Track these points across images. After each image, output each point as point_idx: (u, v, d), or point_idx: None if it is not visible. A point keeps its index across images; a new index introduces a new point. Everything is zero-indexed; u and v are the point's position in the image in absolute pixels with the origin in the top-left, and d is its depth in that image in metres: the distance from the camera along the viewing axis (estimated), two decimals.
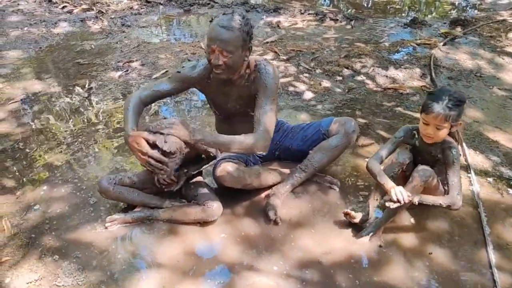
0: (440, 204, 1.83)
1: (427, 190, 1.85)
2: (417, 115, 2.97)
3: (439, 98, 1.75)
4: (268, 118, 1.91)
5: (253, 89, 1.97)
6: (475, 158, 2.50)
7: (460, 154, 1.94)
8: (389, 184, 1.83)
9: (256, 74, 1.96)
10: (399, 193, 1.76)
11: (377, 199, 1.97)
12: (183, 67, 2.07)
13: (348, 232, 1.96)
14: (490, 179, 2.33)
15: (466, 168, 2.40)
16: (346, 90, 3.34)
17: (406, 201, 1.76)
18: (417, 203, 1.81)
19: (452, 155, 1.84)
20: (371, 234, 1.90)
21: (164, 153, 1.76)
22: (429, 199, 1.84)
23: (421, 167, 1.84)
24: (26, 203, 2.16)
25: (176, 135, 1.76)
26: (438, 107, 1.73)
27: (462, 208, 2.06)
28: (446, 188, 1.94)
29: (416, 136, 1.94)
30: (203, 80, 2.03)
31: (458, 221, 2.04)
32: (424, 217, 2.05)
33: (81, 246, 1.89)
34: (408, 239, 1.94)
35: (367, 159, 2.43)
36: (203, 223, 1.98)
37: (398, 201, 1.76)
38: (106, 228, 1.97)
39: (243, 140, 1.85)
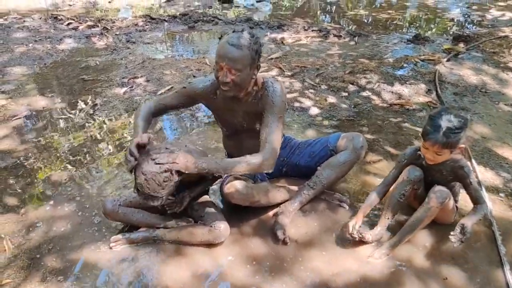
0: (480, 219, 1.83)
1: (442, 212, 1.81)
2: None
3: (438, 125, 1.70)
4: (274, 136, 1.87)
5: (260, 106, 1.94)
6: (485, 175, 2.46)
7: (472, 170, 1.91)
8: (357, 214, 1.93)
9: (264, 92, 1.94)
10: (350, 228, 1.87)
11: (388, 218, 1.93)
12: (189, 82, 2.06)
13: (360, 252, 1.91)
14: (502, 196, 2.28)
15: (478, 185, 2.36)
16: (352, 106, 3.32)
17: (357, 239, 1.87)
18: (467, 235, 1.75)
19: (466, 174, 1.80)
20: (384, 254, 1.85)
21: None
22: (469, 223, 1.77)
23: (437, 188, 1.79)
24: (29, 222, 2.12)
25: (178, 168, 1.68)
26: (436, 135, 1.70)
27: (475, 227, 2.03)
28: (457, 205, 1.93)
29: (422, 156, 1.90)
30: (209, 96, 2.02)
31: (472, 240, 1.98)
32: (437, 236, 1.99)
33: (85, 267, 1.84)
34: (422, 260, 1.88)
35: (376, 176, 2.42)
36: (210, 244, 1.94)
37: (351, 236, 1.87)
38: (110, 248, 1.92)
39: (249, 161, 1.80)
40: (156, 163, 1.66)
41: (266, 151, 1.84)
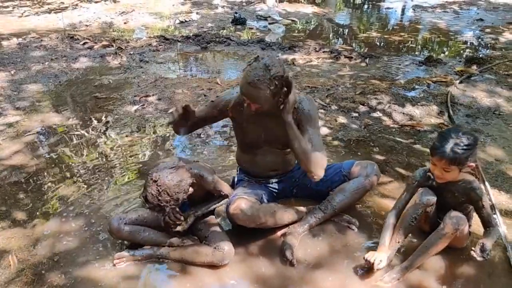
0: (496, 241, 1.80)
1: (456, 237, 1.76)
2: None
3: (446, 141, 1.69)
4: (319, 142, 1.98)
5: (294, 119, 1.95)
6: (499, 198, 2.40)
7: (484, 192, 1.86)
8: (382, 246, 1.83)
9: (297, 105, 1.97)
10: (377, 261, 1.77)
11: (398, 242, 1.87)
12: (217, 96, 2.15)
13: (369, 276, 1.85)
14: None
15: (491, 208, 2.29)
16: (363, 127, 3.29)
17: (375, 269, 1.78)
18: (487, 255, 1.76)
19: (478, 196, 1.76)
20: (394, 279, 1.79)
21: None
22: (489, 243, 1.77)
23: (454, 214, 1.75)
24: (35, 237, 2.12)
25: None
26: (444, 150, 1.68)
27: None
28: (470, 230, 1.89)
29: (432, 177, 1.86)
30: (236, 107, 2.04)
31: (486, 266, 1.91)
32: (449, 261, 1.93)
33: (88, 284, 1.82)
34: (433, 286, 1.81)
35: (386, 198, 2.38)
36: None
37: (369, 263, 1.78)
38: (114, 265, 1.90)
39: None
40: (172, 176, 1.71)
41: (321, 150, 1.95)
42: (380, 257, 1.79)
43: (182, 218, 1.88)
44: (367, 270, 1.86)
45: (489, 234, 1.84)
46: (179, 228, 1.89)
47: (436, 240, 1.79)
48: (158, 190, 1.69)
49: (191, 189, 1.78)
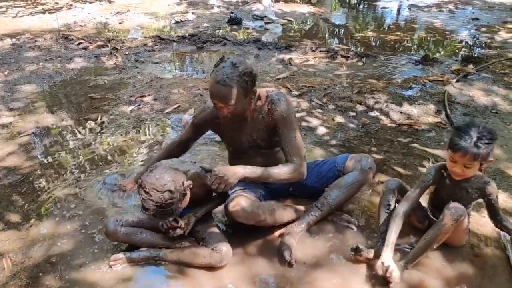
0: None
1: (456, 231, 1.74)
2: (434, 151, 2.90)
3: (467, 135, 1.64)
4: (296, 146, 1.95)
5: (271, 120, 1.96)
6: (498, 197, 2.38)
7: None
8: (387, 244, 1.78)
9: (271, 106, 1.95)
10: (385, 271, 1.72)
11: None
12: (194, 116, 2.18)
13: (369, 275, 1.83)
14: None
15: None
16: (360, 126, 3.28)
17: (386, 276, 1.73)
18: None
19: (494, 189, 1.77)
20: (399, 275, 1.76)
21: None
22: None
23: (452, 205, 1.73)
24: (30, 240, 2.08)
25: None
26: (466, 145, 1.63)
27: (488, 251, 1.98)
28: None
29: (445, 174, 1.84)
30: (213, 121, 2.06)
31: (486, 265, 1.90)
32: (450, 260, 1.91)
33: (84, 287, 1.79)
34: (434, 286, 1.80)
35: None
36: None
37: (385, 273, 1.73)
38: (110, 267, 1.87)
39: (284, 169, 1.93)
40: (159, 177, 1.68)
41: (295, 161, 1.94)
42: (391, 265, 1.73)
43: (182, 224, 1.86)
44: (364, 267, 1.87)
45: (509, 222, 1.84)
46: (180, 232, 1.87)
47: (436, 232, 1.76)
48: (146, 191, 1.67)
49: (188, 193, 1.77)
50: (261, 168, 1.90)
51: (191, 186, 1.77)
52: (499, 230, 2.03)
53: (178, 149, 2.22)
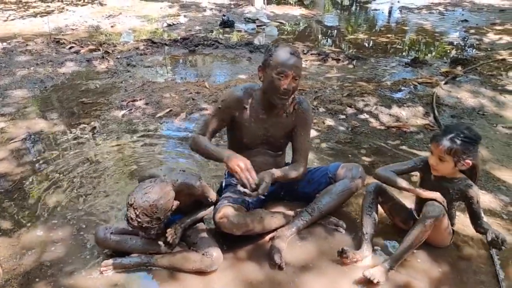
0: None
1: (437, 230, 1.79)
2: (422, 153, 2.94)
3: (448, 131, 1.77)
4: (308, 150, 2.20)
5: (292, 121, 2.09)
6: (483, 198, 2.43)
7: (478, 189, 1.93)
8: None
9: (297, 107, 2.08)
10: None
11: (366, 233, 1.96)
12: (222, 101, 2.08)
13: (358, 276, 1.86)
14: (499, 220, 2.25)
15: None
16: (350, 129, 3.32)
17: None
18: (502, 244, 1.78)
19: (475, 193, 1.83)
20: (384, 276, 1.80)
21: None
22: (497, 232, 1.80)
23: (430, 203, 1.79)
24: (22, 246, 2.09)
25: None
26: (442, 138, 1.76)
27: (472, 251, 2.03)
28: (454, 228, 1.95)
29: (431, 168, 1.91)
30: (242, 105, 2.05)
31: (470, 264, 1.94)
32: (435, 261, 1.95)
33: None
34: (419, 285, 1.84)
35: None
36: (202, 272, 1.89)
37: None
38: (101, 273, 1.88)
39: (295, 171, 2.12)
40: (146, 196, 1.70)
41: (303, 163, 2.14)
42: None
43: (169, 238, 1.89)
44: (353, 269, 1.90)
45: (486, 224, 1.89)
46: (169, 239, 1.90)
47: (417, 230, 1.81)
48: (136, 213, 1.69)
49: (176, 203, 1.79)
50: (283, 170, 2.08)
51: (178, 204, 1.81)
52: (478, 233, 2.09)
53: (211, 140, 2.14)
